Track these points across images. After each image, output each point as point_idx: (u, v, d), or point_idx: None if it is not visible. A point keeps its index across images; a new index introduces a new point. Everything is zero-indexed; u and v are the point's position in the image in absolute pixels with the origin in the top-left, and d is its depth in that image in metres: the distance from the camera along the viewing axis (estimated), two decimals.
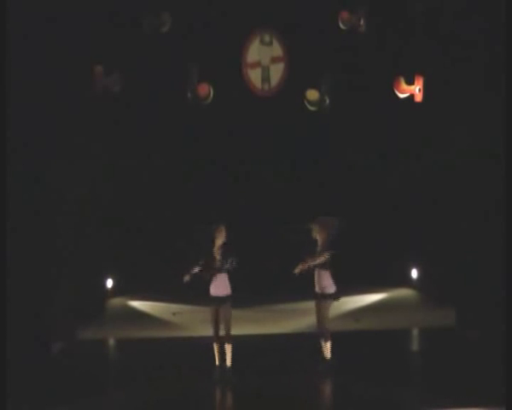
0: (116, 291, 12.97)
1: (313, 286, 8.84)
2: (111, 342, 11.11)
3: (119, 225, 12.49)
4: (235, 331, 9.89)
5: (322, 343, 8.86)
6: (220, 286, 8.60)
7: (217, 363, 8.74)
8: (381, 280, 12.56)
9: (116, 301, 12.78)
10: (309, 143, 12.44)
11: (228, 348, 8.70)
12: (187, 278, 8.57)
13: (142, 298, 12.84)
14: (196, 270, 8.63)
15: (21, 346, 8.86)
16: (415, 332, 11.14)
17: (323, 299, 8.77)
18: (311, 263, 8.70)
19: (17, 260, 8.88)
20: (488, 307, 9.67)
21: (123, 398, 8.19)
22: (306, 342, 10.10)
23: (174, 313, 11.98)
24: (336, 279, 8.85)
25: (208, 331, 10.91)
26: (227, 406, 8.06)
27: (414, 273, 13.17)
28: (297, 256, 8.84)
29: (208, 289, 8.69)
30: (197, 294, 12.12)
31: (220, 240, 8.67)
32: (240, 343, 8.92)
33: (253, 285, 9.83)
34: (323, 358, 8.84)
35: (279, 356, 9.59)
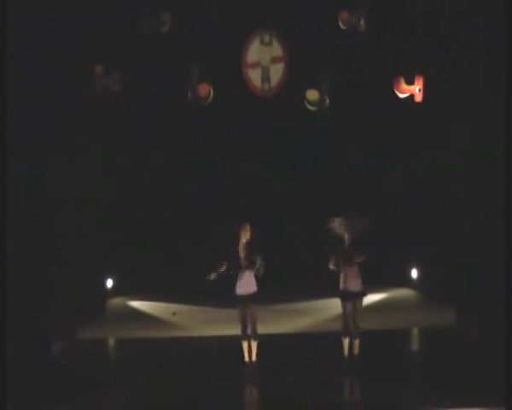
0: (116, 291, 12.97)
1: (340, 285, 8.75)
2: (111, 342, 11.11)
3: (119, 225, 12.49)
4: (234, 331, 9.88)
5: (352, 341, 8.78)
6: (246, 284, 8.63)
7: (246, 360, 8.75)
8: (381, 280, 12.55)
9: (116, 301, 12.78)
10: (309, 143, 12.44)
11: (254, 345, 8.74)
12: (213, 276, 8.57)
13: (142, 298, 12.84)
14: (223, 268, 8.60)
15: (21, 346, 8.85)
16: (415, 332, 11.14)
17: (357, 297, 8.71)
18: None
19: (17, 260, 8.88)
20: (488, 307, 9.66)
21: (123, 398, 8.18)
22: (307, 342, 10.13)
23: (174, 313, 11.98)
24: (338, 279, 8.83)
25: (208, 331, 10.99)
26: (228, 405, 8.04)
27: (414, 273, 13.16)
28: (298, 256, 8.83)
29: (233, 289, 8.70)
30: (196, 294, 12.21)
31: (245, 238, 8.68)
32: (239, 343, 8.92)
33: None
34: (351, 355, 8.78)
35: (279, 356, 9.58)
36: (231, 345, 9.43)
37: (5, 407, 6.99)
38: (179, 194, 12.59)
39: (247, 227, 8.72)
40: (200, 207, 12.60)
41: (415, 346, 10.79)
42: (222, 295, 12.24)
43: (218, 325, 11.32)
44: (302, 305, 11.99)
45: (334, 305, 12.00)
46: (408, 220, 12.33)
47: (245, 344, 8.76)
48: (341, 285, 8.74)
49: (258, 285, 8.67)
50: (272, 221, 12.43)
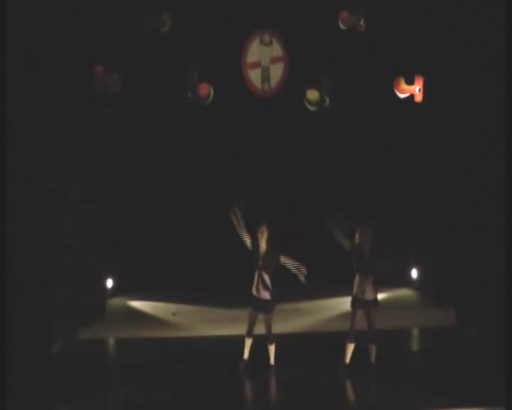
0: (116, 291, 12.96)
1: (358, 293, 8.75)
2: (111, 342, 11.10)
3: (119, 225, 12.48)
4: (233, 331, 9.90)
5: (370, 347, 8.82)
6: (260, 288, 8.69)
7: (245, 357, 8.84)
8: (381, 280, 12.54)
9: (116, 301, 12.77)
10: (309, 143, 12.43)
11: (272, 347, 8.85)
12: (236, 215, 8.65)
13: (142, 298, 12.84)
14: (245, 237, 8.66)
15: (21, 346, 8.85)
16: (415, 332, 11.14)
17: (373, 305, 8.76)
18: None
19: (17, 259, 8.88)
20: (488, 307, 9.67)
21: (123, 398, 8.19)
22: (307, 342, 10.12)
23: (174, 313, 11.98)
24: (338, 279, 8.82)
25: (208, 331, 10.98)
26: (227, 406, 8.05)
27: (414, 273, 13.16)
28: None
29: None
30: (196, 294, 12.21)
31: (264, 241, 8.69)
32: (239, 343, 8.93)
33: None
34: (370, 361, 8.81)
35: (280, 356, 9.58)
36: (231, 345, 9.44)
37: (5, 407, 7.00)
38: (179, 194, 12.59)
39: (265, 229, 8.70)
40: (199, 207, 12.59)
41: (415, 346, 10.79)
42: (222, 295, 12.30)
43: (218, 324, 11.31)
44: (302, 305, 12.00)
45: (333, 305, 12.06)
46: (408, 220, 12.31)
47: (247, 342, 8.81)
48: (357, 292, 8.74)
49: (272, 293, 8.69)
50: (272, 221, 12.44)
